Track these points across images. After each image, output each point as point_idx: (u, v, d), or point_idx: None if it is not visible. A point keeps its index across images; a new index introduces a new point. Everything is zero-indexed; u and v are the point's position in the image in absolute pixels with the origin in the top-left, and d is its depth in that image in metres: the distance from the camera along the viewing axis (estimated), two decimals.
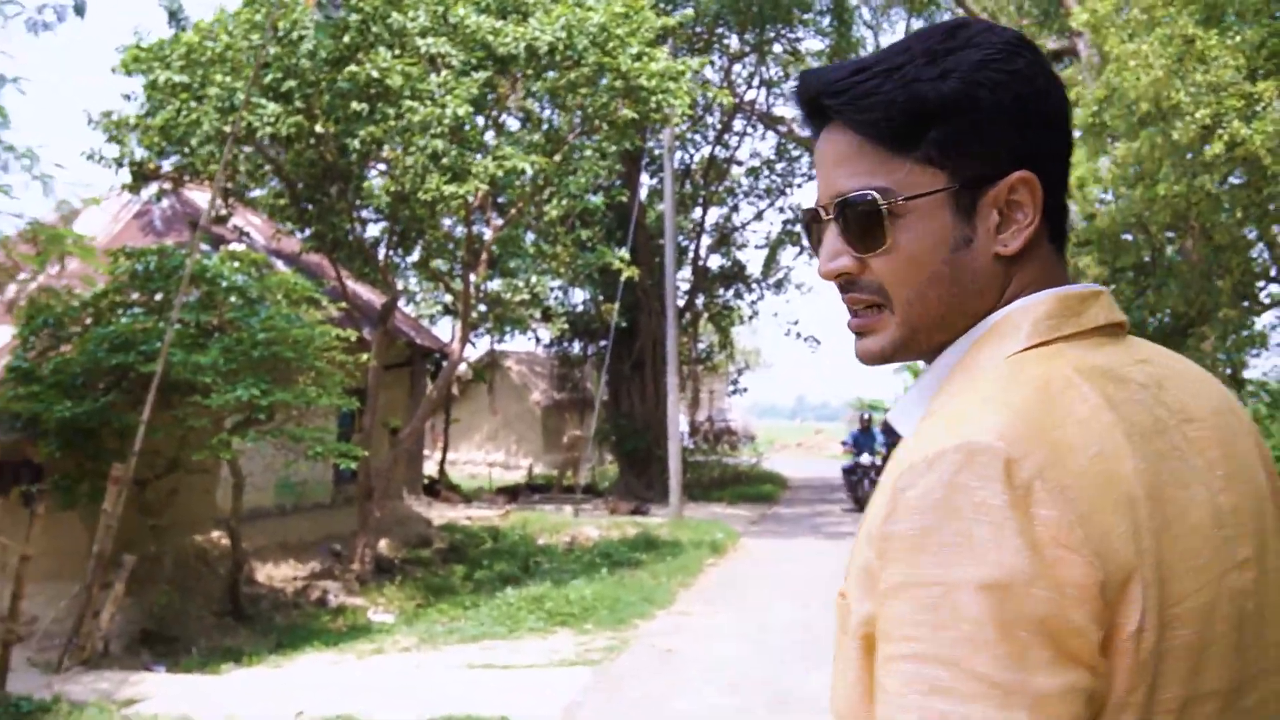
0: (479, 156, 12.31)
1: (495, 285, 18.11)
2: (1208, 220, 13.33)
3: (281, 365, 11.00)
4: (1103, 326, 1.10)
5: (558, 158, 13.32)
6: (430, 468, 33.12)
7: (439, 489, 27.79)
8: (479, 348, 32.68)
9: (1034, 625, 0.89)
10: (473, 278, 14.66)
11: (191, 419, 10.29)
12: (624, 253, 13.93)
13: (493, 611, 11.93)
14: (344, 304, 13.60)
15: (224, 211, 14.91)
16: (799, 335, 32.90)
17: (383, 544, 16.26)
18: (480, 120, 13.47)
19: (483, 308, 18.66)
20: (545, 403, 37.84)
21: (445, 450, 33.37)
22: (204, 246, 12.12)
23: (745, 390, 36.43)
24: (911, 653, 0.91)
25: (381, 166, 13.85)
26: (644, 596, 12.51)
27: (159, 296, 10.70)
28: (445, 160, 12.15)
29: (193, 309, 10.92)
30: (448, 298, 19.91)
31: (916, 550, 0.93)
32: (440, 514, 21.39)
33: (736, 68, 30.35)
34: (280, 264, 16.09)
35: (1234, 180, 13.27)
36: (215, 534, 13.55)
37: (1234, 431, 1.11)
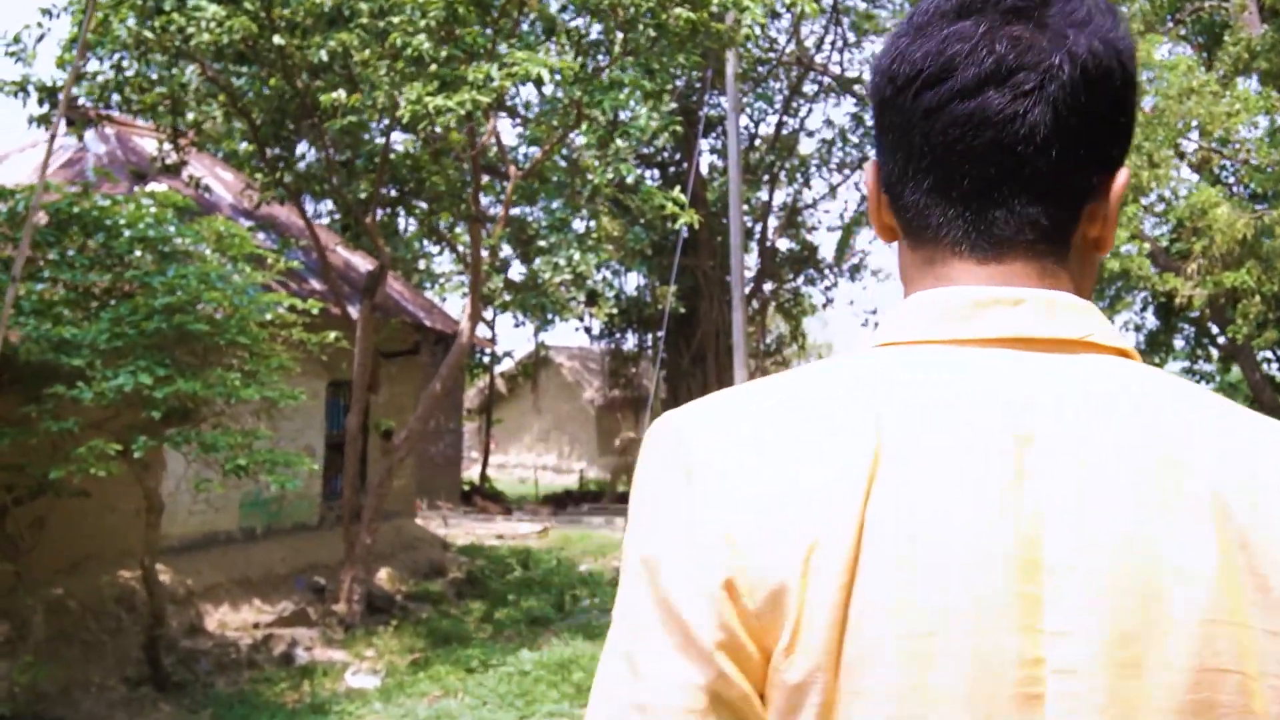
0: (481, 64, 9.04)
1: (536, 265, 15.01)
2: None
3: (199, 344, 7.82)
4: (1008, 339, 0.94)
5: (589, 66, 10.00)
6: (480, 473, 30.23)
7: (475, 498, 24.71)
8: (520, 341, 29.65)
9: (665, 608, 0.87)
10: (485, 237, 11.35)
11: (50, 419, 7.07)
12: (678, 193, 10.67)
13: (500, 684, 8.66)
14: (294, 265, 10.35)
15: (173, 158, 11.79)
16: (877, 326, 29.25)
17: (382, 574, 13.05)
18: (489, 32, 10.14)
19: (501, 280, 15.47)
20: (599, 401, 34.83)
21: (487, 454, 30.37)
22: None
23: None
24: (615, 609, 0.93)
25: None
26: None
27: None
28: (434, 67, 8.90)
29: (75, 267, 7.78)
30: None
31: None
32: (467, 531, 18.19)
33: (805, 29, 26.92)
34: (260, 232, 12.93)
35: None
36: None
37: (1158, 485, 0.88)
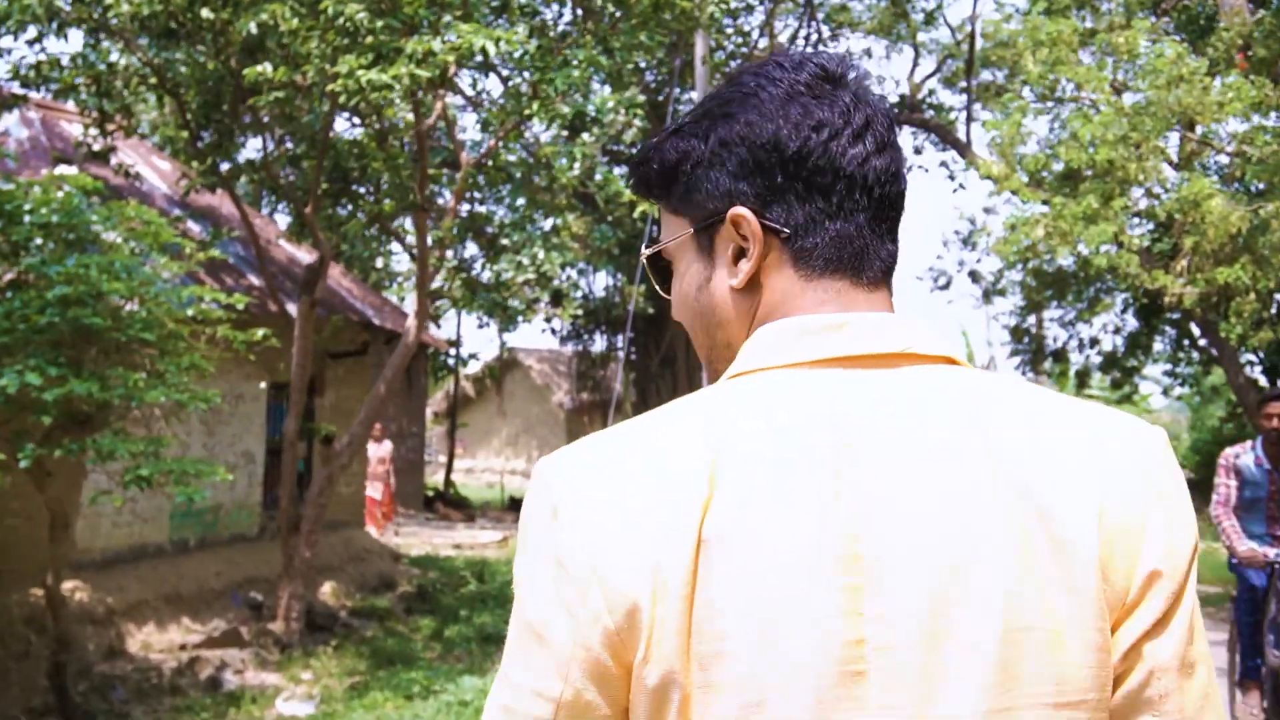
0: (423, 37, 8.27)
1: (499, 265, 14.30)
2: None
3: (100, 341, 7.03)
4: (840, 358, 1.07)
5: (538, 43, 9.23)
6: (444, 478, 29.42)
7: (437, 505, 23.89)
8: (488, 343, 28.94)
9: (528, 628, 1.00)
10: (433, 229, 10.58)
11: None
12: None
13: (439, 715, 7.90)
14: (216, 255, 9.55)
15: (100, 144, 10.97)
16: None
17: (326, 589, 12.28)
18: (434, 6, 9.35)
19: (459, 279, 14.71)
20: (569, 405, 34.06)
21: (451, 459, 29.55)
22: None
23: None
24: None
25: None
26: None
27: None
28: (369, 39, 8.13)
29: None
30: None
31: None
32: (424, 540, 17.40)
33: (778, 24, 26.23)
34: (191, 222, 12.14)
35: None
36: (69, 585, 9.60)
37: (979, 479, 1.01)
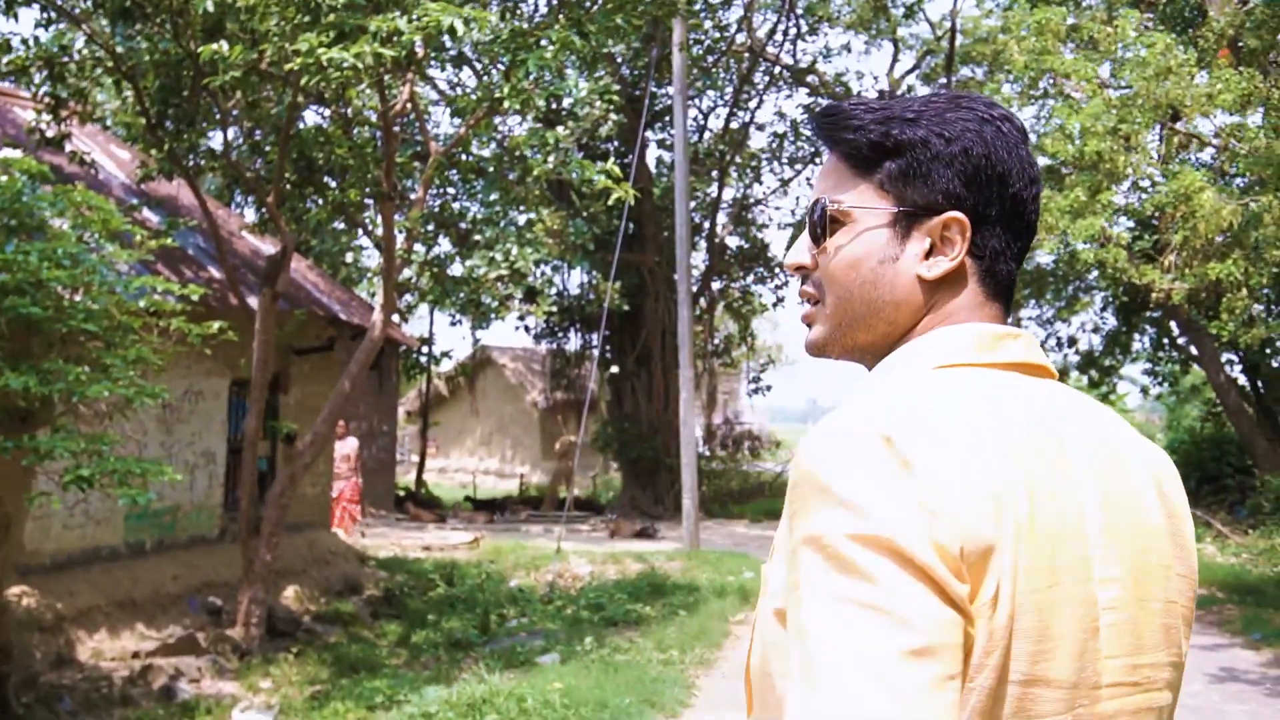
0: (389, 15, 7.86)
1: (472, 260, 14.01)
2: None
3: (45, 333, 6.61)
4: (1019, 364, 1.26)
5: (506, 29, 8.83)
6: (416, 478, 28.97)
7: (408, 505, 23.42)
8: (461, 341, 28.46)
9: (916, 569, 1.04)
10: (402, 220, 10.17)
11: None
12: (612, 165, 9.52)
13: None
14: (168, 243, 9.12)
15: (52, 131, 10.52)
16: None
17: (289, 592, 11.85)
18: None
19: (429, 275, 14.37)
20: (544, 404, 33.64)
21: (423, 459, 29.12)
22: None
23: (769, 389, 31.82)
24: (821, 594, 1.05)
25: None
26: (645, 696, 8.05)
27: None
28: (331, 16, 7.72)
29: None
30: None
31: (812, 510, 1.09)
32: (393, 541, 16.97)
33: (757, 18, 25.90)
34: (148, 212, 11.69)
35: None
36: (16, 590, 9.16)
37: (1125, 471, 1.25)
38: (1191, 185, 10.78)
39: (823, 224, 1.30)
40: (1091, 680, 1.13)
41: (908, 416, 1.12)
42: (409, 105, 9.81)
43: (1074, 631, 1.12)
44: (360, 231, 12.65)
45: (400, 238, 10.75)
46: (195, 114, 9.86)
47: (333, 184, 10.90)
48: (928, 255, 1.26)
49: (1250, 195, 10.84)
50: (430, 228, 18.14)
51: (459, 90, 15.35)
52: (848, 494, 1.07)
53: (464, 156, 11.29)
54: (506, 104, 8.90)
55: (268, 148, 10.53)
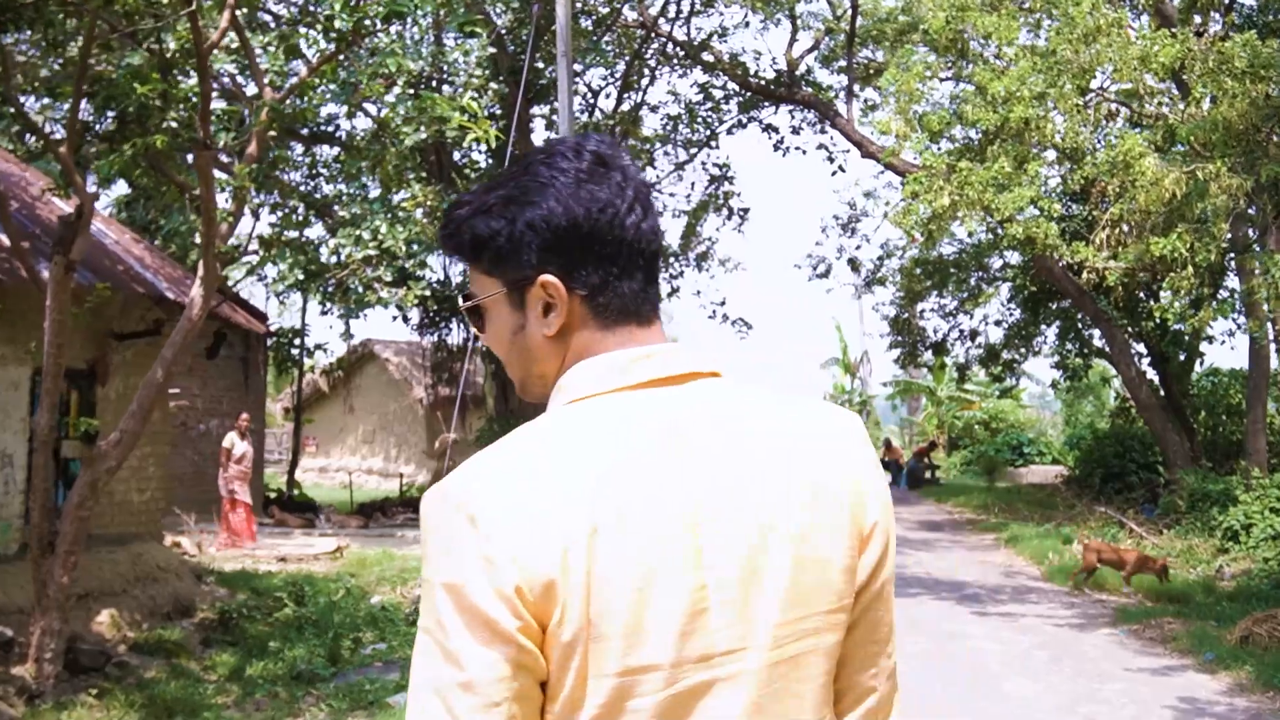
0: None
1: (337, 240, 12.55)
2: None
3: None
4: (657, 380, 1.39)
5: None
6: (287, 479, 27.08)
7: (273, 509, 21.57)
8: (328, 329, 26.66)
9: (471, 612, 1.24)
10: (230, 178, 8.53)
11: None
12: (469, 100, 8.05)
13: None
14: None
15: None
16: (725, 318, 27.30)
17: (103, 618, 10.13)
18: None
19: (291, 258, 12.82)
20: (430, 400, 32.00)
21: (295, 458, 27.26)
22: None
23: None
24: (421, 626, 1.29)
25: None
26: None
27: None
28: None
29: None
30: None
31: (424, 556, 1.30)
32: (246, 552, 15.24)
33: None
34: None
35: None
36: None
37: (763, 452, 1.38)
38: (1131, 151, 9.64)
39: (472, 318, 1.51)
40: (698, 654, 1.28)
41: (484, 473, 1.30)
42: (233, 40, 8.19)
43: (675, 617, 1.27)
44: (175, 188, 10.88)
45: (226, 198, 9.14)
46: None
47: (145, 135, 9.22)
48: (545, 314, 1.42)
49: (1195, 162, 9.72)
50: (301, 212, 16.48)
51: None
52: (433, 547, 1.29)
53: (307, 105, 9.69)
54: (349, 37, 7.35)
55: (63, 91, 8.83)
